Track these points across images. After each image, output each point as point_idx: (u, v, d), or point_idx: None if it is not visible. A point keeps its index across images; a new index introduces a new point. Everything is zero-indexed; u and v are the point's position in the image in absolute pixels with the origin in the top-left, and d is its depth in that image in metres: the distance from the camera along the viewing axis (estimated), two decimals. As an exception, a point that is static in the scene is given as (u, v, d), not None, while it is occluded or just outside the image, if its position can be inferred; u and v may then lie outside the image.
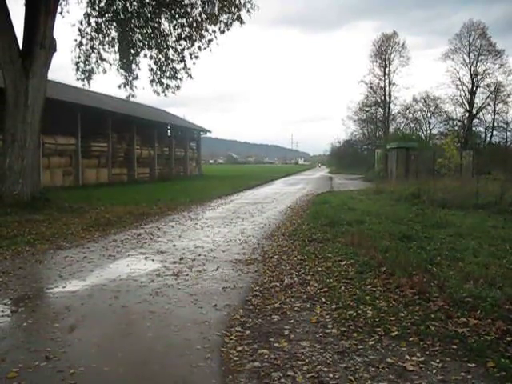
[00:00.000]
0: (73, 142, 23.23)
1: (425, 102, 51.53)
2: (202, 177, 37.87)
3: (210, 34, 15.52)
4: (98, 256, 7.33)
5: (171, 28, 15.65)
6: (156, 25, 15.52)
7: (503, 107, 48.06)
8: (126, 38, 15.29)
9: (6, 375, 3.25)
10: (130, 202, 14.82)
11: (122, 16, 15.07)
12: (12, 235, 8.75)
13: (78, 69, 15.47)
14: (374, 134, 55.52)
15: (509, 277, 5.39)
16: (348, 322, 4.25)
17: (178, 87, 16.38)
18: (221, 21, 15.27)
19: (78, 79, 15.72)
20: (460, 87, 48.42)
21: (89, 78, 15.68)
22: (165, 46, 15.88)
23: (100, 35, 15.29)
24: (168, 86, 16.26)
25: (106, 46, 15.44)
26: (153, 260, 7.08)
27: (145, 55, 15.92)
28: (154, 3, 15.08)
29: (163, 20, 15.61)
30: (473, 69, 47.91)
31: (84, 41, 15.24)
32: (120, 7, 15.07)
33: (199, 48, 15.73)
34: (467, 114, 48.51)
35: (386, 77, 52.74)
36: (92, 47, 15.34)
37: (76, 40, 15.20)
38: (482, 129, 49.77)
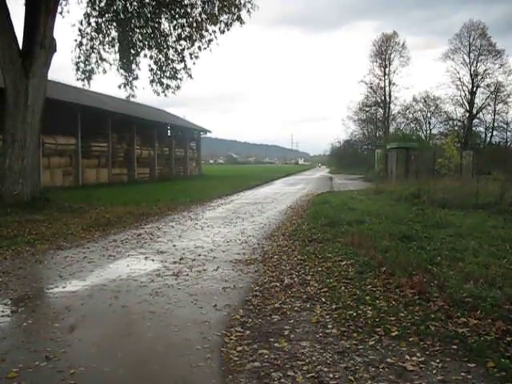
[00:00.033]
0: (73, 142, 23.24)
1: (425, 102, 51.55)
2: (201, 177, 37.87)
3: (210, 34, 15.55)
4: (98, 256, 7.33)
5: (171, 28, 15.67)
6: (156, 25, 15.53)
7: (503, 107, 48.10)
8: (126, 38, 15.30)
9: (6, 375, 3.25)
10: (130, 202, 14.82)
11: (122, 16, 15.07)
12: (12, 235, 8.75)
13: (78, 69, 15.48)
14: (374, 134, 55.52)
15: (509, 277, 5.39)
16: (348, 322, 4.25)
17: (178, 87, 16.39)
18: (221, 21, 15.28)
19: (78, 79, 15.74)
20: (460, 87, 48.47)
21: (89, 78, 15.69)
22: (165, 46, 15.88)
23: (100, 35, 15.30)
24: (168, 86, 16.27)
25: (106, 46, 15.46)
26: (153, 260, 7.08)
27: (145, 55, 15.94)
28: (153, 3, 15.08)
29: (163, 20, 15.63)
30: (473, 69, 47.94)
31: (84, 41, 15.26)
32: (120, 7, 15.08)
33: (199, 48, 15.74)
34: (467, 114, 48.49)
35: (386, 77, 52.78)
36: (92, 47, 15.35)
37: (76, 40, 15.22)
38: (482, 129, 49.83)
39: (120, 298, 5.10)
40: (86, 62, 15.43)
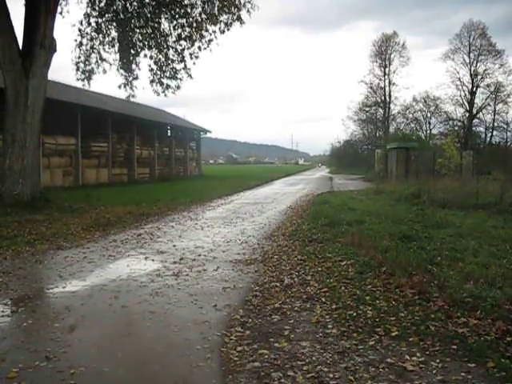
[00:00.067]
0: (73, 142, 23.24)
1: (425, 102, 51.53)
2: (201, 177, 37.88)
3: (210, 34, 15.54)
4: (98, 256, 7.33)
5: (171, 28, 15.66)
6: (156, 25, 15.52)
7: (503, 107, 48.08)
8: (126, 38, 15.30)
9: (6, 375, 3.25)
10: (130, 202, 14.82)
11: (121, 16, 15.07)
12: (12, 235, 8.75)
13: (78, 69, 15.48)
14: (374, 134, 55.52)
15: (509, 277, 5.38)
16: (348, 322, 4.25)
17: (178, 87, 16.38)
18: (221, 21, 15.27)
19: (78, 79, 15.74)
20: (460, 87, 48.46)
21: (89, 78, 15.69)
22: (165, 46, 15.88)
23: (100, 35, 15.30)
24: (168, 86, 16.27)
25: (106, 46, 15.46)
26: (153, 260, 7.08)
27: (145, 55, 15.93)
28: (153, 3, 15.08)
29: (163, 20, 15.62)
30: (473, 69, 47.93)
31: (84, 41, 15.25)
32: (120, 7, 15.07)
33: (199, 48, 15.74)
34: (467, 114, 48.48)
35: (386, 77, 52.78)
36: (92, 47, 15.34)
37: (76, 40, 15.22)
38: (482, 129, 49.80)
39: (120, 298, 5.10)
40: (86, 62, 15.44)
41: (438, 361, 3.45)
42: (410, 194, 15.35)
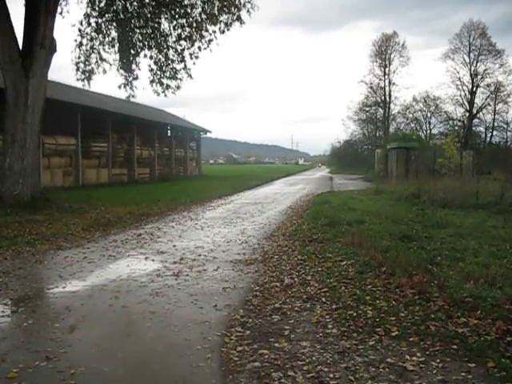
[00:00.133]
0: (73, 143, 23.25)
1: (425, 101, 51.52)
2: (202, 177, 37.88)
3: (210, 34, 15.55)
4: (99, 256, 7.33)
5: (171, 28, 15.67)
6: (156, 25, 15.53)
7: (503, 107, 48.07)
8: (126, 38, 15.31)
9: (6, 375, 3.25)
10: (130, 203, 14.83)
11: (121, 16, 15.08)
12: (12, 235, 8.76)
13: (78, 69, 15.49)
14: (374, 134, 55.51)
15: (509, 277, 5.38)
16: (348, 322, 4.25)
17: (178, 87, 16.39)
18: (221, 21, 15.28)
19: (78, 79, 15.76)
20: (460, 87, 48.45)
21: (89, 79, 15.70)
22: (165, 47, 15.89)
23: (100, 35, 15.31)
24: (168, 87, 16.28)
25: (106, 47, 15.47)
26: (153, 260, 7.08)
27: (145, 55, 15.95)
28: (153, 3, 15.08)
29: (163, 20, 15.64)
30: (473, 69, 47.91)
31: (84, 41, 15.27)
32: (120, 7, 15.08)
33: (199, 48, 15.75)
34: (467, 114, 48.48)
35: (386, 77, 52.76)
36: (92, 47, 15.35)
37: (76, 40, 15.24)
38: (482, 129, 49.77)
39: (120, 299, 5.10)
40: (86, 63, 15.45)
41: (438, 361, 3.45)
42: (410, 193, 15.35)
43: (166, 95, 16.38)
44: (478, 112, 48.82)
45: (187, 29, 15.55)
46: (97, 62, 15.50)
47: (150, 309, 4.74)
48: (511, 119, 48.25)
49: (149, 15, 15.26)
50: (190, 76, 16.32)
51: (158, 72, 16.11)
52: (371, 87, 53.47)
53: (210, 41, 15.59)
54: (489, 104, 48.28)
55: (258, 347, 3.77)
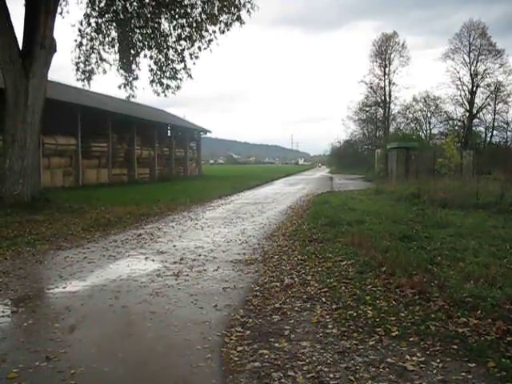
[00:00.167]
0: (73, 143, 23.25)
1: (425, 101, 51.52)
2: (202, 177, 37.87)
3: (210, 34, 15.55)
4: (99, 256, 7.33)
5: (171, 28, 15.68)
6: (156, 25, 15.53)
7: (503, 107, 48.06)
8: (126, 38, 15.31)
9: (7, 375, 3.25)
10: (130, 203, 14.83)
11: (121, 16, 15.08)
12: (12, 236, 8.76)
13: (78, 69, 15.50)
14: (374, 134, 55.50)
15: (509, 277, 5.38)
16: (348, 322, 4.25)
17: (178, 87, 16.40)
18: (221, 21, 15.28)
19: (78, 79, 15.76)
20: (460, 87, 48.43)
21: (89, 79, 15.70)
22: (165, 47, 15.89)
23: (100, 35, 15.31)
24: (168, 87, 16.28)
25: (106, 47, 15.48)
26: (153, 260, 7.08)
27: (145, 55, 15.95)
28: (153, 3, 15.08)
29: (163, 20, 15.64)
30: (473, 68, 47.89)
31: (84, 41, 15.28)
32: (120, 7, 15.08)
33: (199, 48, 15.75)
34: (467, 114, 48.47)
35: (386, 77, 52.73)
36: (92, 47, 15.36)
37: (76, 40, 15.24)
38: (482, 129, 49.76)
39: (120, 299, 5.10)
40: (86, 63, 15.45)
41: (438, 361, 3.45)
42: (410, 193, 15.35)
43: (165, 95, 16.40)
44: (478, 112, 48.83)
45: (187, 29, 15.56)
46: (97, 62, 15.52)
47: (150, 309, 4.74)
48: (511, 119, 48.32)
49: (149, 15, 15.26)
50: (189, 76, 16.34)
51: (158, 72, 16.12)
52: (371, 87, 53.52)
53: (210, 41, 15.61)
54: (489, 104, 48.32)
55: (258, 347, 3.77)
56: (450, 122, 49.55)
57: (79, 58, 15.36)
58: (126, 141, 28.97)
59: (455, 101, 48.72)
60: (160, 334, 4.12)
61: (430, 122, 52.11)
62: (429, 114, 51.84)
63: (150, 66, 16.05)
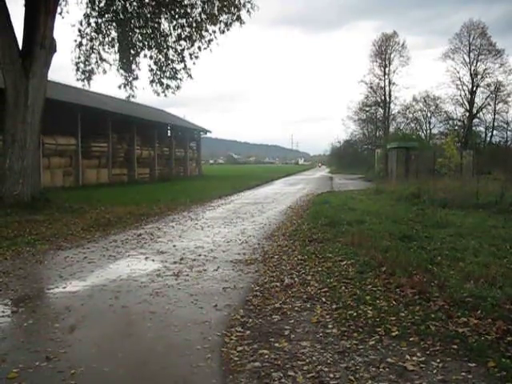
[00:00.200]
0: (73, 143, 23.25)
1: (425, 101, 51.55)
2: (202, 177, 37.88)
3: (210, 34, 15.56)
4: (99, 256, 7.33)
5: (171, 28, 15.69)
6: (156, 25, 15.54)
7: (503, 107, 48.09)
8: (126, 38, 15.31)
9: (7, 375, 3.25)
10: (130, 203, 14.83)
11: (121, 16, 15.08)
12: (12, 236, 8.76)
13: (78, 69, 15.50)
14: (374, 133, 55.50)
15: (509, 276, 5.38)
16: (348, 321, 4.25)
17: (178, 87, 16.40)
18: (221, 21, 15.29)
19: (78, 79, 15.77)
20: (460, 87, 48.44)
21: (89, 79, 15.71)
22: (165, 47, 15.89)
23: (100, 36, 15.32)
24: (168, 87, 16.28)
25: (106, 47, 15.49)
26: (153, 260, 7.08)
27: (145, 55, 15.96)
28: (153, 3, 15.09)
29: (163, 20, 15.65)
30: (473, 68, 47.90)
31: (84, 41, 15.29)
32: (120, 7, 15.09)
33: (199, 48, 15.76)
34: (467, 114, 48.47)
35: (386, 77, 52.72)
36: (92, 47, 15.36)
37: (76, 40, 15.25)
38: (482, 128, 49.77)
39: (120, 299, 5.10)
40: (86, 63, 15.46)
41: (438, 360, 3.45)
42: (410, 193, 15.35)
43: (165, 95, 16.41)
44: (478, 112, 48.84)
45: (187, 29, 15.56)
46: (97, 62, 15.53)
47: (150, 309, 4.74)
48: (511, 119, 48.32)
49: (149, 15, 15.26)
50: (189, 76, 16.35)
51: (158, 72, 16.12)
52: (371, 87, 53.51)
53: (210, 41, 15.62)
54: (489, 104, 48.33)
55: (258, 347, 3.77)
56: (450, 121, 49.60)
57: (79, 57, 15.38)
58: (126, 141, 28.97)
59: (455, 101, 48.81)
60: (160, 333, 4.12)
61: (430, 122, 52.21)
62: (429, 114, 51.94)
63: (149, 65, 16.07)
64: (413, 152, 26.17)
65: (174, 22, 15.59)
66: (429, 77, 63.90)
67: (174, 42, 15.86)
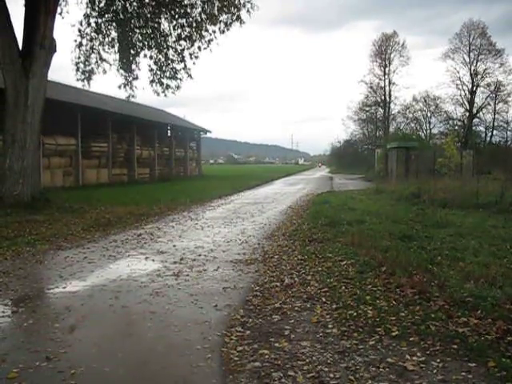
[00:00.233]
0: (73, 143, 23.25)
1: (425, 101, 51.57)
2: (202, 177, 37.88)
3: (210, 34, 15.56)
4: (99, 256, 7.33)
5: (171, 28, 15.69)
6: (156, 25, 15.54)
7: (503, 106, 48.09)
8: (126, 38, 15.31)
9: (7, 375, 3.25)
10: (131, 203, 14.83)
11: (121, 16, 15.08)
12: (12, 236, 8.75)
13: (78, 69, 15.51)
14: (374, 133, 55.51)
15: (509, 276, 5.38)
16: (348, 321, 4.25)
17: (178, 87, 16.40)
18: (221, 21, 15.29)
19: (77, 80, 15.77)
20: (460, 87, 48.43)
21: (89, 79, 15.71)
22: (165, 47, 15.90)
23: (100, 36, 15.32)
24: (168, 86, 16.28)
25: (106, 47, 15.49)
26: (153, 260, 7.08)
27: (145, 55, 15.96)
28: (153, 3, 15.09)
29: (163, 20, 15.65)
30: (473, 68, 47.89)
31: (84, 41, 15.29)
32: (120, 7, 15.09)
33: (199, 48, 15.76)
34: (467, 114, 48.47)
35: (386, 76, 52.70)
36: (92, 48, 15.36)
37: (76, 40, 15.26)
38: (482, 128, 49.79)
39: (120, 299, 5.10)
40: (86, 63, 15.46)
41: (438, 360, 3.45)
42: (410, 193, 15.36)
43: (165, 95, 16.41)
44: (478, 111, 48.84)
45: (187, 29, 15.56)
46: (97, 62, 15.53)
47: (150, 309, 4.74)
48: (511, 119, 48.31)
49: (149, 15, 15.26)
50: (189, 76, 16.35)
51: (158, 72, 16.12)
52: (371, 87, 53.50)
53: (210, 41, 15.62)
54: (489, 103, 48.34)
55: (258, 347, 3.77)
56: (450, 121, 49.61)
57: (79, 58, 15.38)
58: (126, 141, 28.97)
59: (455, 100, 48.81)
60: (160, 333, 4.12)
61: (429, 122, 52.23)
62: (429, 114, 51.96)
63: (149, 65, 16.07)
64: (413, 152, 26.17)
65: (174, 22, 15.60)
66: (429, 77, 63.98)
67: (174, 41, 15.86)
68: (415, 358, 3.48)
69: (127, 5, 15.13)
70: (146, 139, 31.63)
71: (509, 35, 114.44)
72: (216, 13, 15.16)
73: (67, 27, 53.47)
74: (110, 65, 15.68)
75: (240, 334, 4.06)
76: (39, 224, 10.19)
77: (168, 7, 15.28)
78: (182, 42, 15.79)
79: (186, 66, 16.09)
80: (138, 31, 15.54)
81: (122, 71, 15.86)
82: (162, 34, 15.71)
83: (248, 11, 14.99)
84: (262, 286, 5.51)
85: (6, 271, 6.23)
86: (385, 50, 52.78)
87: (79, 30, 15.12)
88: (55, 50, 13.45)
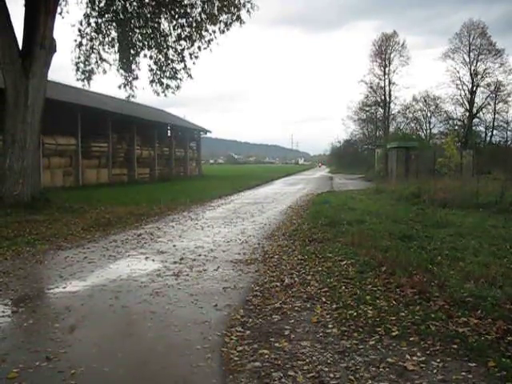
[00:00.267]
0: (73, 143, 23.25)
1: (425, 101, 51.57)
2: (202, 177, 37.88)
3: (210, 34, 15.55)
4: (99, 256, 7.33)
5: (171, 28, 15.68)
6: (156, 25, 15.54)
7: (503, 106, 48.09)
8: (126, 38, 15.31)
9: (7, 375, 3.25)
10: (131, 203, 14.83)
11: (121, 16, 15.08)
12: (12, 236, 8.75)
13: (77, 69, 15.50)
14: (374, 133, 55.51)
15: (509, 276, 5.38)
16: (348, 321, 4.25)
17: (178, 87, 16.40)
18: (221, 21, 15.28)
19: (77, 79, 15.77)
20: (460, 87, 48.44)
21: (89, 79, 15.70)
22: (165, 46, 15.89)
23: (100, 35, 15.31)
24: (168, 86, 16.28)
25: (106, 47, 15.48)
26: (153, 260, 7.08)
27: (145, 55, 15.96)
28: (153, 3, 15.09)
29: (163, 20, 15.65)
30: (473, 68, 47.90)
31: (84, 41, 15.28)
32: (120, 7, 15.08)
33: (199, 48, 15.76)
34: (467, 114, 48.47)
35: (386, 76, 52.73)
36: (92, 47, 15.36)
37: (76, 40, 15.25)
38: (482, 128, 49.78)
39: (120, 299, 5.10)
40: (86, 63, 15.45)
41: (438, 360, 3.45)
42: (410, 193, 15.36)
43: (165, 95, 16.40)
44: (478, 111, 48.84)
45: (187, 29, 15.56)
46: (97, 62, 15.52)
47: (151, 309, 4.74)
48: (511, 119, 48.31)
49: (149, 15, 15.26)
50: (189, 76, 16.34)
51: (158, 72, 16.11)
52: (371, 87, 53.52)
53: (210, 41, 15.62)
54: (489, 103, 48.34)
55: (258, 347, 3.77)
56: (450, 121, 49.61)
57: (79, 58, 15.38)
58: (126, 141, 28.97)
59: (455, 100, 48.82)
60: (160, 333, 4.11)
61: (429, 122, 52.24)
62: (429, 114, 51.96)
63: (149, 65, 16.06)
64: (413, 152, 26.17)
65: (174, 22, 15.59)
66: (429, 77, 64.05)
67: (174, 41, 15.86)
68: (415, 358, 3.48)
69: (127, 5, 15.12)
70: (146, 139, 31.63)
71: (509, 35, 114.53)
72: (216, 13, 15.16)
73: (67, 27, 53.47)
74: (110, 65, 15.70)
75: (240, 333, 4.06)
76: (39, 224, 10.19)
77: (168, 7, 15.27)
78: (182, 42, 15.80)
79: (185, 65, 16.10)
80: (137, 31, 15.54)
81: (121, 71, 15.87)
82: (162, 33, 15.71)
83: (248, 11, 15.00)
84: (262, 286, 5.51)
85: (6, 271, 6.23)
86: (385, 50, 52.81)
87: (79, 30, 15.13)
88: (55, 50, 13.45)
